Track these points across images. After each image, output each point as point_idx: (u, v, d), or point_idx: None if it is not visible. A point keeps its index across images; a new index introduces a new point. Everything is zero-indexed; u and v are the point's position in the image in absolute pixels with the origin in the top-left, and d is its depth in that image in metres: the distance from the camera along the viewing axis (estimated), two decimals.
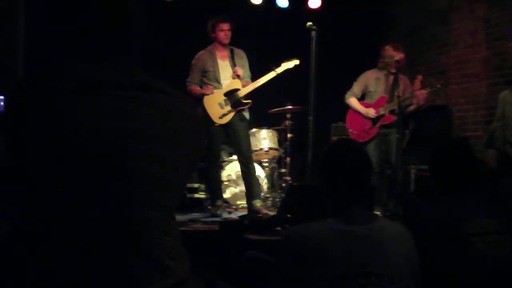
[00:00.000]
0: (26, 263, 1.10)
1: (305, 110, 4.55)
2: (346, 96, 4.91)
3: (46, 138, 1.13)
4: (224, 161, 5.22)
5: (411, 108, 4.69)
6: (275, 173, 5.49)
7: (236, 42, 4.49)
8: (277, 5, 5.93)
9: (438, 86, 4.62)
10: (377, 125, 4.75)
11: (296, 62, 4.48)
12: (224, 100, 4.38)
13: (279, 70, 4.44)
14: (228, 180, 5.15)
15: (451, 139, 4.87)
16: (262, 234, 3.32)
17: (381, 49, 4.83)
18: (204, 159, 4.47)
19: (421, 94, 4.54)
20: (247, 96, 4.41)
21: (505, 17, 5.28)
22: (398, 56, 4.60)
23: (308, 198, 3.34)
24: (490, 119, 5.04)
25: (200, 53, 4.49)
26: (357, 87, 4.89)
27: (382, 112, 4.72)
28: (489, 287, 1.85)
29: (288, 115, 5.32)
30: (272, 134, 5.38)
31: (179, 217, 4.04)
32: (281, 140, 5.51)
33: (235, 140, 4.45)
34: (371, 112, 4.74)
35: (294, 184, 5.08)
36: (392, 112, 4.66)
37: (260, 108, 4.99)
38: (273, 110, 5.39)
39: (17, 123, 1.15)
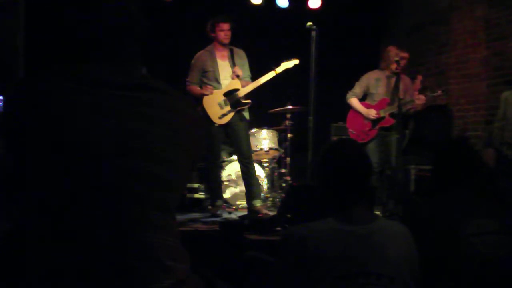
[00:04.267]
0: (25, 263, 1.10)
1: (305, 110, 4.55)
2: (348, 96, 4.92)
3: (45, 138, 1.12)
4: (224, 161, 5.22)
5: (409, 110, 4.69)
6: (275, 173, 5.48)
7: (236, 42, 4.49)
8: (277, 5, 5.92)
9: (439, 92, 4.62)
10: (377, 127, 4.75)
11: (296, 61, 4.48)
12: (224, 100, 4.37)
13: (279, 70, 4.43)
14: (228, 180, 5.15)
15: (455, 138, 4.87)
16: (262, 234, 3.32)
17: (383, 50, 4.83)
18: (204, 159, 4.47)
19: (420, 100, 4.54)
20: (246, 96, 4.41)
21: (505, 17, 5.28)
22: (399, 55, 4.60)
23: (308, 198, 3.34)
24: (490, 119, 5.05)
25: (199, 53, 4.49)
26: (358, 88, 4.89)
27: (382, 114, 4.72)
28: (489, 287, 1.85)
29: (288, 115, 5.32)
30: (272, 134, 5.38)
31: (179, 217, 4.04)
32: (281, 140, 5.51)
33: (235, 140, 4.45)
34: (372, 113, 4.74)
35: (294, 184, 5.08)
36: (392, 114, 4.66)
37: (260, 108, 4.99)
38: (273, 110, 5.38)
39: (16, 123, 1.15)
